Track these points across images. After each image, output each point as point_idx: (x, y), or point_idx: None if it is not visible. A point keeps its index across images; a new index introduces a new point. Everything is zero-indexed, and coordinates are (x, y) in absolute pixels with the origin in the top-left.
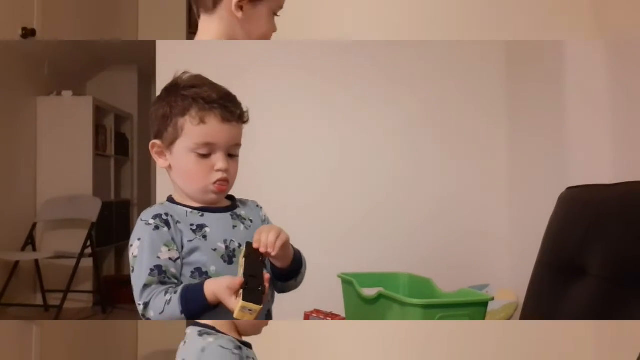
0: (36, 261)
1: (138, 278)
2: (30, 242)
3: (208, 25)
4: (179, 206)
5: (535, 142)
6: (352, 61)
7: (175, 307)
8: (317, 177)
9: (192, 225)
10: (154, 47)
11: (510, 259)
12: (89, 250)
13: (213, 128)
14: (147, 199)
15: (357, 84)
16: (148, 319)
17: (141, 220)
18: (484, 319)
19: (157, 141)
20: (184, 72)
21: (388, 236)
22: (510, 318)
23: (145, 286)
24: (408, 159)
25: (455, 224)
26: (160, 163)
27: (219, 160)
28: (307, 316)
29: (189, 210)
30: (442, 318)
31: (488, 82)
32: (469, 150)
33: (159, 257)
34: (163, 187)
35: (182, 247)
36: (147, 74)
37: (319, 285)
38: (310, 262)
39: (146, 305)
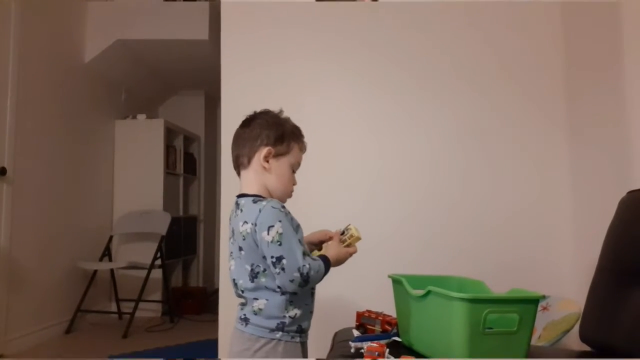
0: (112, 271)
1: (296, 248)
2: (107, 253)
3: (247, 175)
4: None
5: (596, 147)
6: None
7: (322, 267)
8: (380, 184)
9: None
10: (219, 73)
11: (573, 268)
12: (158, 262)
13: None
14: (213, 215)
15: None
16: (307, 277)
17: (273, 207)
18: (534, 317)
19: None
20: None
21: (447, 245)
22: (571, 329)
23: (304, 254)
24: (467, 166)
25: (515, 233)
26: (264, 165)
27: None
28: (359, 315)
29: None
30: (490, 314)
31: (546, 84)
32: (528, 156)
33: (296, 234)
34: (228, 204)
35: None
36: (213, 98)
37: (371, 286)
38: (362, 265)
39: (308, 268)
